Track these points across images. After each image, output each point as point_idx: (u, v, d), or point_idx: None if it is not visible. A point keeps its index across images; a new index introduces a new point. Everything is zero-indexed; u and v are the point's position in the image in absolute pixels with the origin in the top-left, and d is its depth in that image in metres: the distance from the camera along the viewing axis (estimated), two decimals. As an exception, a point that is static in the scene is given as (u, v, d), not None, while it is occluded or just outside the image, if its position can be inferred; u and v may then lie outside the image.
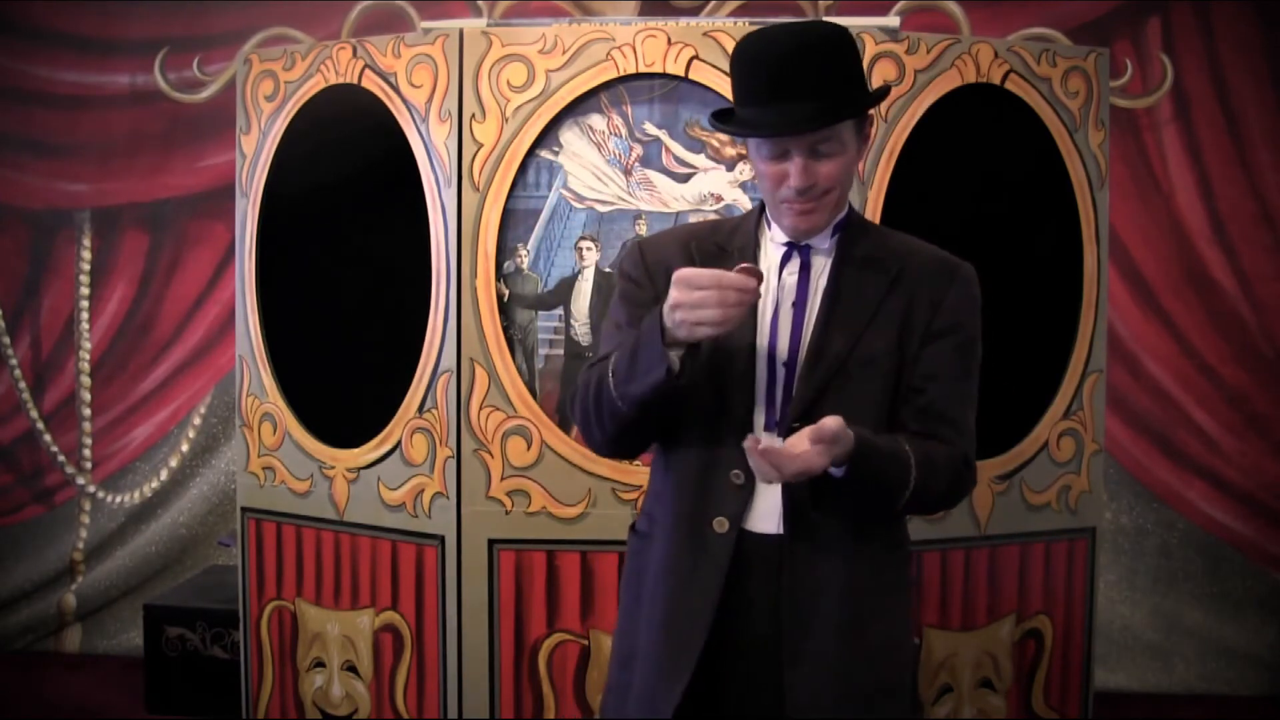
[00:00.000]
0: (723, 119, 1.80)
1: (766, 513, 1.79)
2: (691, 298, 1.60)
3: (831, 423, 1.61)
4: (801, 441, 1.61)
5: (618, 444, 1.86)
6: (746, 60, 1.75)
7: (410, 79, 2.78)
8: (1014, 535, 2.88)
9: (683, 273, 1.63)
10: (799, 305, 1.81)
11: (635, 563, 1.92)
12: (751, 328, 1.79)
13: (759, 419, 1.79)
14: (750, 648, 1.80)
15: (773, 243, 1.84)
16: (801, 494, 1.76)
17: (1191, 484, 4.05)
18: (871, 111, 1.85)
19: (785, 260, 1.83)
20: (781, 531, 1.78)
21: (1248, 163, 3.97)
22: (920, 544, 2.78)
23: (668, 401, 1.71)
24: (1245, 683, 3.95)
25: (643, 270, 1.88)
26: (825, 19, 2.21)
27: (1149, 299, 4.02)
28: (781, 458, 1.60)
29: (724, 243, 1.86)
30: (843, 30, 1.76)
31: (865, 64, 2.68)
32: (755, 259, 1.82)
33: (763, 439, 1.66)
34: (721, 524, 1.79)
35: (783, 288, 1.82)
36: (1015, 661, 2.93)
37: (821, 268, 1.82)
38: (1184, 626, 4.02)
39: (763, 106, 1.72)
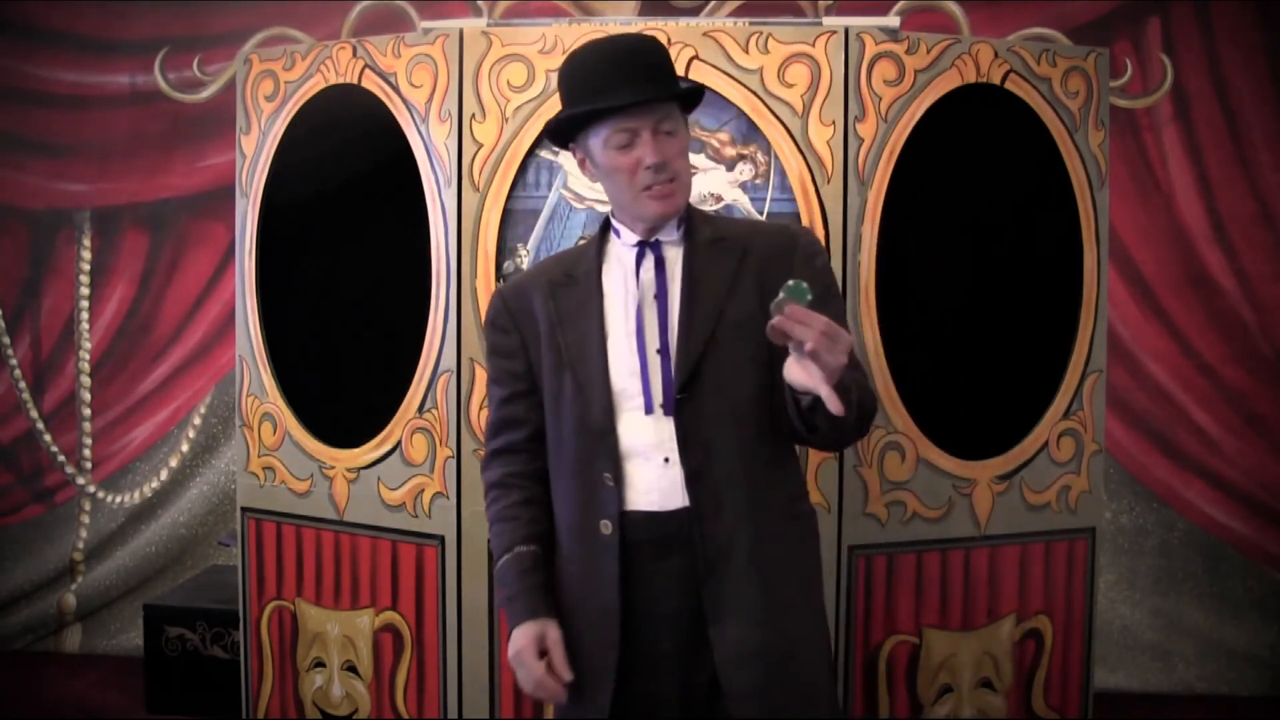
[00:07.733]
0: (559, 126, 1.93)
1: (669, 490, 1.90)
2: (520, 675, 1.91)
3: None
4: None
5: None
6: (582, 63, 1.91)
7: (410, 79, 2.78)
8: (1014, 535, 2.88)
9: (516, 656, 1.91)
10: (661, 296, 1.93)
11: None
12: (601, 340, 1.92)
13: (637, 405, 1.90)
14: (676, 618, 1.92)
15: (624, 247, 1.97)
16: (700, 462, 1.89)
17: (1191, 484, 4.05)
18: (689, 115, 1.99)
19: (640, 259, 1.96)
20: (686, 504, 1.89)
21: (1248, 163, 3.97)
22: (920, 544, 2.79)
23: None
24: (1245, 683, 3.95)
25: (507, 317, 2.03)
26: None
27: (1149, 299, 4.02)
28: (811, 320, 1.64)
29: (570, 270, 2.01)
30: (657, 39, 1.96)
31: (865, 63, 2.69)
32: (599, 279, 1.97)
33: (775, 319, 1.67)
34: (606, 526, 1.91)
35: (642, 285, 1.95)
36: (1015, 661, 2.93)
37: (675, 257, 1.95)
38: (1184, 626, 4.02)
39: (609, 91, 1.85)
